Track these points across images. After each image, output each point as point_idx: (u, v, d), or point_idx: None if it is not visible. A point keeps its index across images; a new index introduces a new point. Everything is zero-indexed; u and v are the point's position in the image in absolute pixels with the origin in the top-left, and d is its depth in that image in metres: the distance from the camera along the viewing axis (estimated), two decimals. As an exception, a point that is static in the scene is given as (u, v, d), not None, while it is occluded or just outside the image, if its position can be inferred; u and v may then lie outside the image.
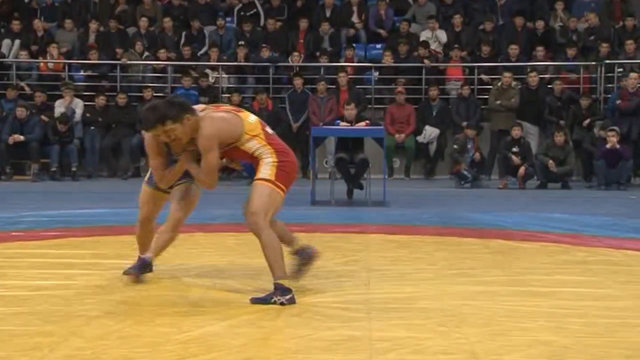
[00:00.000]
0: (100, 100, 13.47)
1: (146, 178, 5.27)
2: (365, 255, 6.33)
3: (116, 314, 4.37)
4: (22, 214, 8.33)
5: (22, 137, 12.68)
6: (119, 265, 5.61)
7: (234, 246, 6.61)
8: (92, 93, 13.80)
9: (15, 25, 14.76)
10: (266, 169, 4.72)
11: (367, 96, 13.99)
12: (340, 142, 10.45)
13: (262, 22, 15.37)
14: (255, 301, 4.62)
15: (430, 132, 13.36)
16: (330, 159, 11.58)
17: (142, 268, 5.13)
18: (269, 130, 4.86)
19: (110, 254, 5.70)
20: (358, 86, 13.93)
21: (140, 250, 5.34)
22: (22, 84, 14.07)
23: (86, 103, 13.56)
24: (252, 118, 4.83)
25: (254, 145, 4.72)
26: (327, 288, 5.04)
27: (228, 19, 15.47)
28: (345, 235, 7.31)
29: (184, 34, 15.00)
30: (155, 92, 13.47)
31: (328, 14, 15.28)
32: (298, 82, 13.52)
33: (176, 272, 5.49)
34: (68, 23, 14.84)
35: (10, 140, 12.70)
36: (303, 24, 14.91)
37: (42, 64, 14.43)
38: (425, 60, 14.16)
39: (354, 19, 15.39)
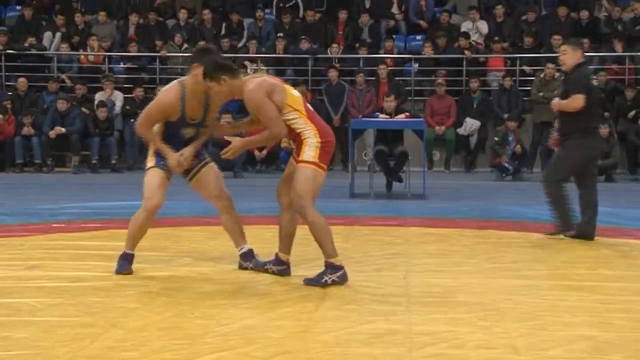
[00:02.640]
0: (139, 92, 13.59)
1: (154, 162, 5.12)
2: (404, 248, 6.32)
3: (156, 306, 4.41)
4: (63, 205, 8.44)
5: (63, 130, 12.86)
6: (157, 257, 5.67)
7: (271, 238, 6.61)
8: (132, 85, 13.93)
9: (60, 20, 14.92)
10: (310, 150, 4.79)
11: (407, 88, 13.94)
12: (380, 135, 10.42)
13: (301, 14, 15.38)
14: (308, 282, 4.82)
15: (470, 124, 13.28)
16: (369, 152, 11.56)
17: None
18: (310, 107, 4.93)
19: (149, 246, 5.75)
20: (398, 78, 13.89)
21: (131, 245, 5.18)
22: (63, 76, 14.26)
23: (126, 95, 13.70)
24: (295, 92, 4.91)
25: (296, 121, 4.79)
26: (366, 281, 5.04)
27: (267, 10, 15.51)
28: (384, 228, 7.29)
29: (223, 25, 15.07)
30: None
31: (368, 5, 15.25)
32: (333, 74, 13.50)
33: (215, 264, 5.52)
34: (102, 15, 14.97)
35: (52, 133, 12.88)
36: (342, 15, 14.88)
37: (82, 57, 14.60)
38: (466, 52, 14.06)
39: (394, 10, 15.33)
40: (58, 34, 14.75)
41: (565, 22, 14.45)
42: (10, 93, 13.71)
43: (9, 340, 3.77)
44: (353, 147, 10.32)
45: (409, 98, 13.86)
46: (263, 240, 5.97)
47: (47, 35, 14.79)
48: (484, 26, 14.66)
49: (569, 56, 6.65)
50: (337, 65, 13.85)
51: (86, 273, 5.24)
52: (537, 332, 3.96)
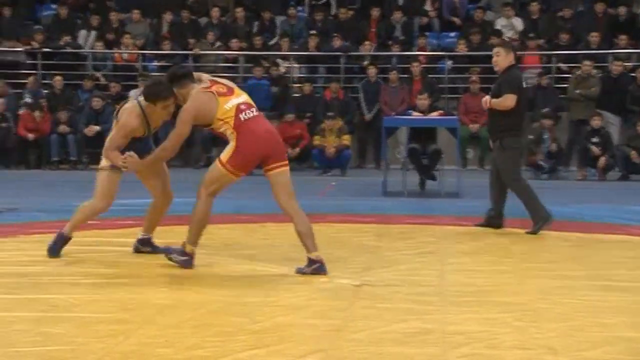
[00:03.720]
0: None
1: (107, 163, 5.41)
2: (438, 247, 6.29)
3: (189, 303, 4.43)
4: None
5: (98, 128, 12.96)
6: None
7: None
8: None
9: (95, 18, 15.05)
10: (226, 151, 5.19)
11: (440, 86, 13.87)
12: (413, 133, 10.39)
13: (333, 11, 15.37)
14: (164, 250, 5.42)
15: (505, 122, 13.15)
16: (402, 150, 11.52)
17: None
18: (244, 116, 5.21)
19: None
20: (431, 75, 13.82)
21: (71, 230, 5.55)
22: (98, 74, 14.38)
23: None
24: (230, 104, 5.22)
25: (225, 130, 5.20)
26: (400, 280, 5.02)
27: (299, 8, 15.52)
28: (417, 226, 7.26)
29: (255, 23, 15.10)
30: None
31: (401, 2, 15.20)
32: (372, 71, 13.48)
33: (249, 262, 5.54)
34: (136, 14, 15.07)
35: (87, 131, 13.00)
36: (375, 12, 14.85)
37: (116, 55, 14.71)
38: (501, 49, 13.93)
39: (427, 7, 15.26)
40: (93, 33, 14.88)
41: (602, 19, 14.28)
42: (46, 91, 13.86)
43: (45, 335, 3.81)
44: (386, 145, 10.28)
45: (443, 96, 13.78)
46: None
47: (82, 33, 14.93)
48: (518, 23, 14.53)
49: (502, 58, 7.03)
50: (374, 62, 13.80)
51: (121, 270, 5.28)
52: (575, 333, 3.92)
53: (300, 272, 5.14)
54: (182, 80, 5.30)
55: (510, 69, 7.02)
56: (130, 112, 5.45)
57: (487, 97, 7.07)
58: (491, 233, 6.90)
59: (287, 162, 5.29)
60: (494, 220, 7.04)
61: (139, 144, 5.49)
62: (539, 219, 6.85)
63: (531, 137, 12.12)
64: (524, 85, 7.21)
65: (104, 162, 5.48)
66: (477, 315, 4.22)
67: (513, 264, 5.58)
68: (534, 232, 6.82)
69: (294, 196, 5.24)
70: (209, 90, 5.26)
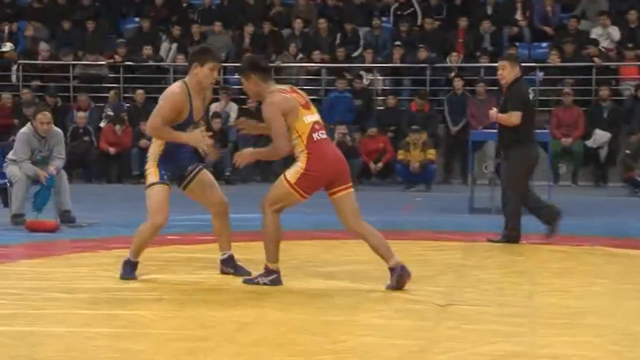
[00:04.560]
0: (253, 104, 13.83)
1: (157, 178, 5.37)
2: (528, 266, 6.19)
3: (270, 321, 4.47)
4: (177, 217, 8.64)
5: (178, 141, 13.21)
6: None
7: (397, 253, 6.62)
8: (246, 96, 14.17)
9: (176, 30, 15.38)
10: (292, 170, 5.21)
11: (531, 98, 13.65)
12: (502, 147, 10.25)
13: (419, 22, 15.33)
14: (246, 281, 5.38)
15: (600, 136, 12.90)
16: (490, 164, 11.39)
17: None
18: (318, 136, 5.23)
19: (262, 259, 5.83)
20: (521, 87, 13.62)
21: (135, 254, 5.48)
22: (179, 88, 14.66)
23: (240, 106, 13.97)
24: (308, 119, 5.25)
25: (296, 144, 5.21)
26: (487, 300, 4.96)
27: (384, 18, 15.54)
28: (505, 245, 7.17)
29: (338, 35, 15.19)
30: (310, 95, 13.67)
31: (489, 11, 15.06)
32: (458, 83, 13.39)
33: (328, 280, 5.55)
34: (218, 26, 15.33)
35: (167, 144, 13.25)
36: (462, 22, 14.76)
37: (198, 68, 14.96)
38: (596, 59, 13.68)
39: (518, 16, 15.08)
40: (174, 45, 15.20)
41: None
42: (127, 105, 14.20)
43: (125, 352, 3.89)
44: (473, 159, 10.19)
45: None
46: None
47: (164, 46, 15.27)
48: (615, 32, 14.23)
49: (508, 71, 7.30)
50: (460, 74, 13.71)
51: (200, 286, 5.36)
52: (675, 360, 3.80)
53: (390, 287, 5.18)
54: (262, 73, 5.27)
55: (516, 82, 7.31)
56: (175, 88, 5.37)
57: (495, 110, 7.40)
58: (584, 253, 6.76)
59: (351, 184, 5.33)
60: (513, 234, 7.22)
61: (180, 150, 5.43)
62: (506, 235, 7.20)
63: (628, 151, 11.83)
64: (531, 97, 7.39)
65: (151, 179, 5.42)
66: (570, 338, 4.13)
67: (607, 285, 5.45)
68: (492, 240, 7.21)
69: (360, 215, 5.30)
70: (289, 94, 5.29)
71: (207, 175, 5.62)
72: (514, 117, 7.16)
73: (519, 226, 7.27)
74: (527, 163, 7.23)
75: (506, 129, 7.26)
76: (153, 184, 5.41)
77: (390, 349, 3.96)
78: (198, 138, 5.38)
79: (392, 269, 5.18)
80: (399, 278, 5.14)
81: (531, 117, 7.32)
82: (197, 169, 5.57)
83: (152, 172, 5.44)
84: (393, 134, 13.31)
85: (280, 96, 5.22)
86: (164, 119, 5.33)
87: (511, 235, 7.23)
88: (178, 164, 5.50)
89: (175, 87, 5.42)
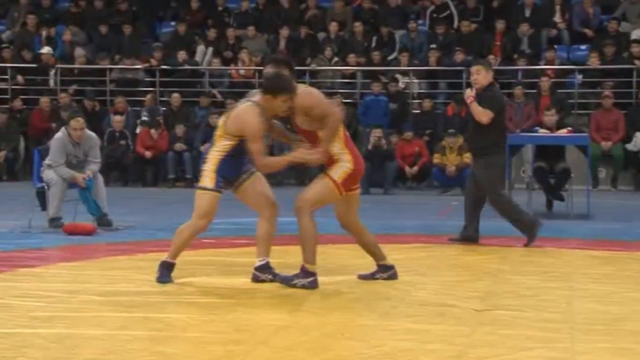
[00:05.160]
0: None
1: (213, 184, 5.43)
2: (566, 271, 6.14)
3: (304, 325, 4.48)
4: (213, 221, 8.69)
5: (213, 145, 13.29)
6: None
7: (424, 257, 6.61)
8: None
9: (212, 34, 15.48)
10: (339, 171, 5.27)
11: (570, 101, 13.55)
12: (539, 151, 10.19)
13: (455, 24, 15.28)
14: (280, 279, 5.35)
15: (641, 140, 12.76)
16: (527, 169, 11.31)
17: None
18: (347, 134, 5.36)
19: (298, 263, 5.85)
20: (560, 90, 13.53)
21: (173, 255, 5.55)
22: (214, 91, 14.76)
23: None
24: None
25: (334, 144, 5.24)
26: (525, 305, 4.93)
27: (420, 21, 15.51)
28: (544, 249, 7.11)
29: (374, 38, 15.18)
30: (345, 99, 13.71)
31: (527, 13, 14.96)
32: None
33: (363, 284, 5.55)
34: (251, 30, 15.39)
35: (203, 148, 13.35)
36: (500, 25, 14.68)
37: (233, 71, 15.06)
38: (637, 61, 13.53)
39: (557, 18, 14.97)
40: (210, 49, 15.30)
41: None
42: (163, 108, 14.32)
43: (161, 355, 3.92)
44: (510, 163, 10.13)
45: (572, 112, 13.46)
46: (413, 259, 5.93)
47: (200, 50, 15.37)
48: (656, 34, 14.07)
49: (483, 76, 7.34)
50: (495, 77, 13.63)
51: (236, 290, 5.38)
52: None
53: (368, 277, 5.51)
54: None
55: (490, 86, 7.35)
56: (250, 113, 5.33)
57: (471, 92, 7.38)
58: (624, 258, 6.68)
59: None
60: (471, 236, 7.31)
61: (239, 149, 5.43)
62: (527, 230, 7.17)
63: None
64: (505, 104, 7.56)
65: (205, 182, 5.47)
66: (610, 345, 4.09)
67: (649, 292, 5.39)
68: (528, 245, 7.12)
69: None
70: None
71: (260, 177, 5.63)
72: (485, 115, 7.17)
73: (474, 228, 7.34)
74: (493, 171, 7.23)
75: (482, 133, 7.24)
76: (207, 189, 5.48)
77: (427, 354, 3.95)
78: (304, 153, 5.38)
79: (387, 266, 5.52)
80: (390, 277, 5.49)
81: (502, 124, 7.38)
82: (251, 171, 5.60)
83: (209, 177, 5.50)
84: (429, 137, 13.27)
85: (318, 92, 5.37)
86: (263, 149, 5.35)
87: (531, 234, 7.17)
88: (239, 167, 5.54)
89: (251, 115, 5.32)
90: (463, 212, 7.48)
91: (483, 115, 7.18)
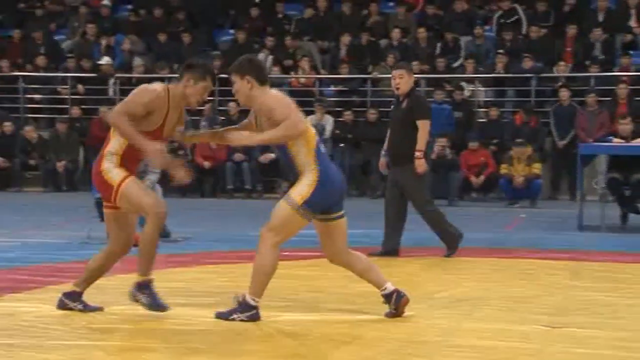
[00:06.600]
0: (349, 116, 13.89)
1: (298, 202, 4.75)
2: (643, 288, 6.01)
3: (367, 341, 4.45)
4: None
5: (273, 155, 13.37)
6: (368, 289, 5.71)
7: (489, 272, 6.54)
8: (342, 109, 14.23)
9: (270, 42, 15.59)
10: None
11: (646, 109, 13.30)
12: (613, 161, 10.03)
13: (524, 30, 15.13)
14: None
15: None
16: (600, 180, 11.11)
17: None
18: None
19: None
20: (637, 98, 13.28)
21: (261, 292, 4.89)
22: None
23: (336, 119, 14.03)
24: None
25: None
26: (599, 323, 4.83)
27: (487, 27, 15.39)
28: (617, 265, 6.98)
29: (438, 44, 15.11)
30: (408, 107, 13.64)
31: (601, 18, 14.74)
32: (564, 94, 13.14)
33: (427, 300, 5.50)
34: (307, 38, 15.43)
35: (262, 158, 13.43)
36: (571, 30, 14.50)
37: (293, 79, 15.14)
38: None
39: (632, 23, 14.73)
40: (269, 57, 15.41)
41: None
42: (222, 118, 14.45)
43: None
44: (582, 174, 9.98)
45: (648, 120, 13.20)
46: (479, 273, 5.86)
47: (260, 57, 15.48)
48: None
49: (406, 80, 7.22)
50: (567, 84, 13.47)
51: (296, 304, 5.38)
52: None
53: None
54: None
55: (412, 91, 7.30)
56: (154, 84, 5.00)
57: (384, 162, 7.40)
58: None
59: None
60: (392, 249, 7.23)
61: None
62: (451, 242, 7.20)
63: None
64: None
65: (292, 199, 4.80)
66: (689, 366, 3.99)
67: None
68: (448, 256, 7.14)
69: None
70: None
71: (344, 224, 4.96)
72: (427, 127, 7.17)
73: (454, 235, 7.24)
74: (422, 179, 7.20)
75: (404, 142, 7.16)
76: (292, 206, 4.78)
77: (495, 372, 3.90)
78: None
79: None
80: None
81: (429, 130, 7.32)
82: (341, 213, 4.95)
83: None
84: (496, 147, 13.15)
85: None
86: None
87: (452, 247, 7.18)
88: (333, 198, 4.87)
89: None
90: (384, 223, 7.32)
91: (426, 129, 7.16)
